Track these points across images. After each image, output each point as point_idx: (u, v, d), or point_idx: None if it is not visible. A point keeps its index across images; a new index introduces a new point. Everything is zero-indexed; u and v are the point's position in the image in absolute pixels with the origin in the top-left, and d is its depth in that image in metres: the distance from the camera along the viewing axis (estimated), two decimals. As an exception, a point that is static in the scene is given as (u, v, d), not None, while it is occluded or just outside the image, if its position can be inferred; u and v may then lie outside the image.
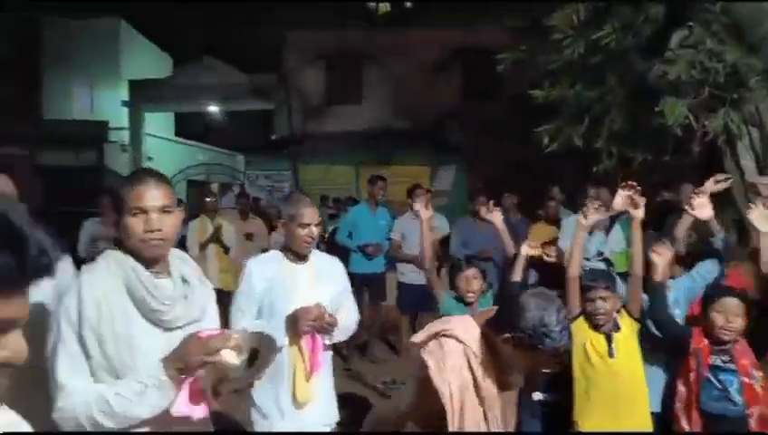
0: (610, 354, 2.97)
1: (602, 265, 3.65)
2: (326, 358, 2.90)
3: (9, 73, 14.96)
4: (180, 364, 1.70)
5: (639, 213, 3.21)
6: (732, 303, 2.89)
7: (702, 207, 3.26)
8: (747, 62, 4.77)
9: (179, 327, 1.84)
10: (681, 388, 3.00)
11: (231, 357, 1.72)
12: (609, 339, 3.00)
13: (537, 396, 3.21)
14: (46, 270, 0.85)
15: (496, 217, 3.94)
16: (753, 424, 2.85)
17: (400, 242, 6.34)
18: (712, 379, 2.89)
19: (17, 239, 0.81)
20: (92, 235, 6.17)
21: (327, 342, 2.79)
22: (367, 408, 5.26)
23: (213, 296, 2.07)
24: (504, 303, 2.15)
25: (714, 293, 3.01)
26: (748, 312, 2.91)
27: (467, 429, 1.90)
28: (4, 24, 14.63)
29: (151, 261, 1.84)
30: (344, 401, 5.02)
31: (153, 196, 1.80)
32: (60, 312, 1.75)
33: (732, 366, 2.88)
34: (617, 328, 3.04)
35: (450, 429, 1.89)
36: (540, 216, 6.31)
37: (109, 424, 1.64)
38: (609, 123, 5.82)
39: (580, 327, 3.03)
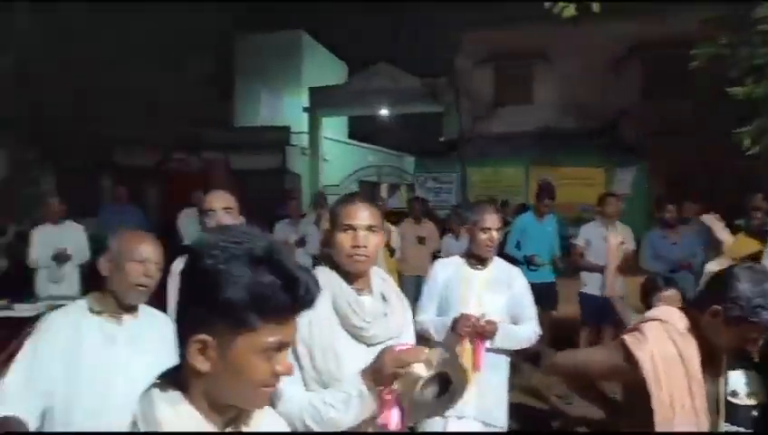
0: None
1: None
2: (497, 361, 2.94)
3: (211, 87, 16.75)
4: (376, 376, 1.78)
5: None
6: None
7: None
8: None
9: (380, 343, 1.93)
10: None
11: (421, 370, 1.77)
12: None
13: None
14: (310, 304, 1.04)
15: (715, 223, 3.64)
16: None
17: (583, 249, 6.04)
18: None
19: (291, 280, 1.00)
20: (285, 238, 6.63)
21: (488, 345, 2.83)
22: (539, 421, 5.16)
23: (410, 314, 2.17)
24: (711, 279, 2.04)
25: None
26: None
27: (675, 398, 1.86)
28: (208, 42, 16.39)
29: (355, 277, 1.98)
30: (516, 411, 4.96)
31: (362, 215, 1.94)
32: None
33: None
34: None
35: (654, 397, 1.86)
36: (739, 226, 5.70)
37: (318, 429, 1.79)
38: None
39: None
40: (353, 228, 1.94)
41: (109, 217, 7.42)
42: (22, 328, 5.22)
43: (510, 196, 11.82)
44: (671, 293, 3.09)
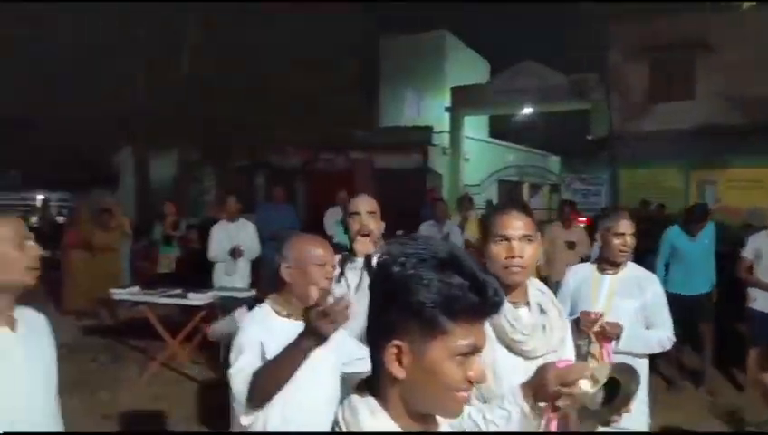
0: None
1: None
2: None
3: (357, 89, 17.33)
4: (537, 393, 1.72)
5: None
6: None
7: None
8: None
9: (540, 356, 1.87)
10: None
11: (586, 386, 1.70)
12: None
13: None
14: (498, 306, 1.05)
15: None
16: None
17: (751, 262, 5.48)
18: None
19: (479, 282, 1.02)
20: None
21: (612, 346, 2.79)
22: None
23: (569, 326, 2.07)
24: None
25: None
26: None
27: None
28: (354, 45, 16.96)
29: (510, 288, 1.91)
30: None
31: (516, 225, 1.88)
32: None
33: None
34: None
35: None
36: None
37: None
38: None
39: None
40: (508, 239, 1.88)
41: (266, 216, 7.89)
42: (195, 314, 5.78)
43: (667, 199, 10.99)
44: None
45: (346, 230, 2.78)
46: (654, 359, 3.94)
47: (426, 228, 6.92)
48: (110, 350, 6.63)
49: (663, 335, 2.93)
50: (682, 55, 13.53)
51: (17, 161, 18.98)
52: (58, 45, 13.52)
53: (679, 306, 4.61)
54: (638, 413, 2.84)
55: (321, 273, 2.05)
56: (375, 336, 1.06)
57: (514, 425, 1.74)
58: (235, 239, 6.33)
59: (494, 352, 1.86)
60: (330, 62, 15.69)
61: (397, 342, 1.01)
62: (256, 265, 6.95)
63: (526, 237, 1.89)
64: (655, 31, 13.43)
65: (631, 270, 3.00)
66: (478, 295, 1.00)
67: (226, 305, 5.96)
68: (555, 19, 18.15)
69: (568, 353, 1.98)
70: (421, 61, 18.16)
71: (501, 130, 20.41)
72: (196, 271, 6.87)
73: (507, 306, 1.86)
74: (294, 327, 1.97)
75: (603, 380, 1.77)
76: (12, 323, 1.78)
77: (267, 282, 2.19)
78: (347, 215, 2.75)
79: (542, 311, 1.95)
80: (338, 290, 2.64)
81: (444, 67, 18.36)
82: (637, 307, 2.89)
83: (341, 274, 2.67)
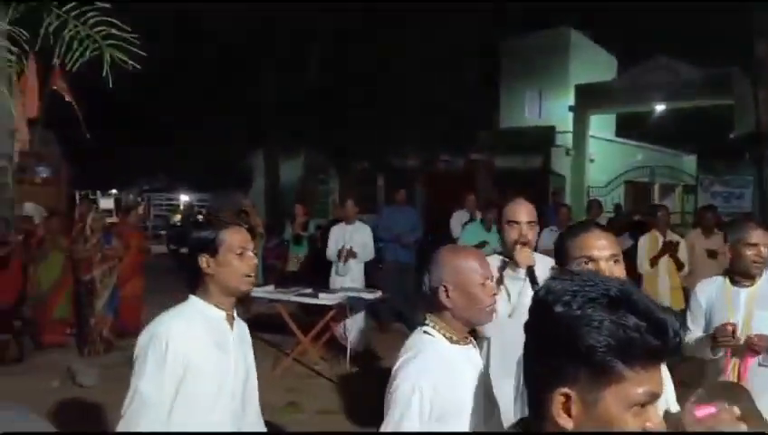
0: None
1: None
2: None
3: (478, 89, 17.24)
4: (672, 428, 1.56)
5: None
6: None
7: None
8: None
9: None
10: None
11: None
12: None
13: None
14: (678, 347, 0.93)
15: None
16: None
17: None
18: None
19: (657, 322, 0.90)
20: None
21: (758, 359, 2.68)
22: None
23: None
24: None
25: None
26: None
27: None
28: (475, 45, 16.87)
29: None
30: None
31: (602, 244, 1.76)
32: None
33: None
34: None
35: None
36: None
37: None
38: None
39: None
40: (594, 260, 1.75)
41: (388, 218, 8.07)
42: (325, 313, 6.06)
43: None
44: None
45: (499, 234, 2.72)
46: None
47: (548, 235, 6.71)
48: (246, 343, 7.08)
49: None
50: None
51: (165, 165, 20.74)
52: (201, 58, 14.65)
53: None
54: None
55: (486, 292, 1.82)
56: (537, 381, 0.98)
57: None
58: (349, 241, 6.59)
59: None
60: (450, 64, 15.73)
61: (564, 390, 0.92)
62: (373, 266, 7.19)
63: (613, 257, 1.77)
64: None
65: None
66: (657, 337, 0.89)
67: (354, 305, 6.20)
68: (690, 9, 16.87)
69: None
70: (543, 59, 17.67)
71: (629, 128, 19.37)
72: (321, 270, 7.21)
73: None
74: (463, 353, 1.82)
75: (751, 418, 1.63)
76: (231, 323, 2.04)
77: (427, 302, 1.97)
78: (503, 222, 2.63)
79: None
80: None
81: (567, 65, 17.74)
82: None
83: (500, 281, 2.48)
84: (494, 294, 1.87)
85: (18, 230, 7.35)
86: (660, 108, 16.25)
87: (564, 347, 0.91)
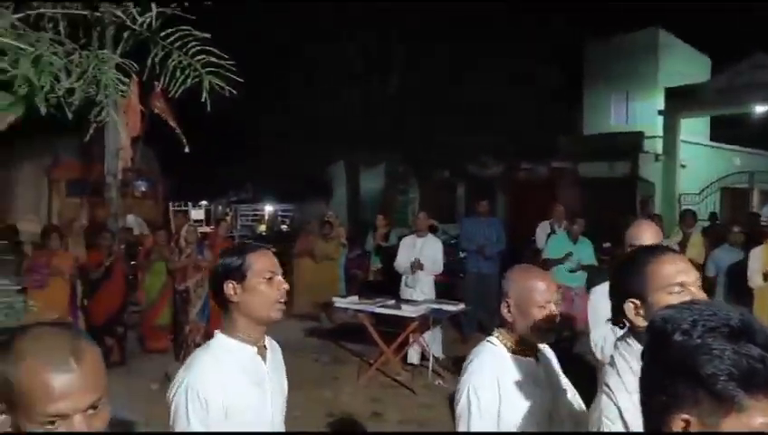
0: None
1: None
2: None
3: (560, 94, 16.84)
4: None
5: None
6: None
7: None
8: None
9: None
10: None
11: None
12: None
13: None
14: None
15: None
16: None
17: None
18: None
19: None
20: None
21: None
22: None
23: None
24: None
25: None
26: None
27: None
28: (558, 49, 16.51)
29: None
30: None
31: (688, 268, 1.60)
32: None
33: None
34: None
35: None
36: None
37: None
38: None
39: None
40: (685, 286, 1.56)
41: (470, 229, 7.96)
42: (407, 325, 6.11)
43: None
44: None
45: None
46: None
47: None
48: (330, 351, 7.25)
49: None
50: None
51: (251, 177, 21.61)
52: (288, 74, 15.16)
53: None
54: None
55: (543, 314, 1.90)
56: (655, 407, 0.99)
57: None
58: (418, 254, 6.61)
59: None
60: (532, 69, 15.48)
61: (685, 416, 0.94)
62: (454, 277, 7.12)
63: (698, 281, 1.60)
64: None
65: None
66: None
67: (436, 317, 6.22)
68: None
69: None
70: (630, 62, 17.06)
71: (725, 132, 18.31)
72: (393, 281, 7.28)
73: None
74: (521, 363, 1.92)
75: None
76: (264, 354, 1.89)
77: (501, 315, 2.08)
78: (625, 245, 2.51)
79: None
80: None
81: (656, 66, 17.04)
82: None
83: None
84: (554, 317, 1.91)
85: (121, 241, 7.89)
86: (760, 109, 15.28)
87: (684, 375, 0.93)
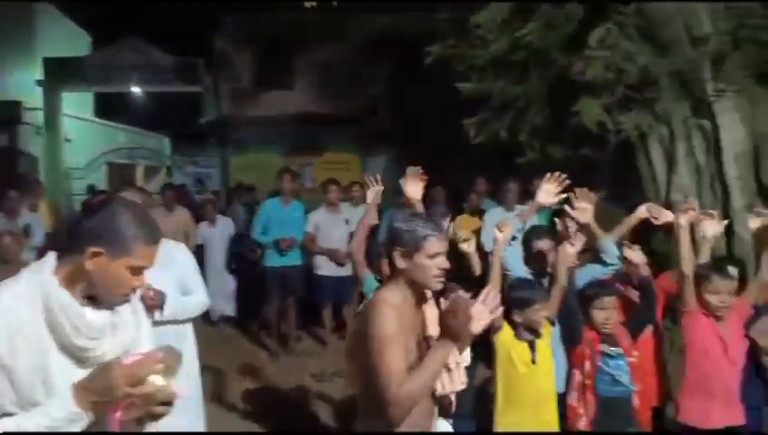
0: (533, 361, 3.06)
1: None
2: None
3: None
4: (102, 396, 1.50)
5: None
6: (609, 300, 3.16)
7: (583, 212, 3.22)
8: (658, 63, 5.01)
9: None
10: (578, 376, 3.16)
11: (159, 381, 1.59)
12: (532, 346, 3.08)
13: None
14: None
15: None
16: (636, 400, 3.16)
17: (315, 235, 6.36)
18: (603, 366, 3.11)
19: None
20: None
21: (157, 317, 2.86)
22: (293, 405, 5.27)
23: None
24: None
25: (592, 292, 3.20)
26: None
27: None
28: None
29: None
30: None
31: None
32: None
33: (619, 351, 3.14)
34: (538, 335, 3.10)
35: None
36: (464, 208, 6.44)
37: None
38: (531, 118, 5.99)
39: (506, 336, 3.10)
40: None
41: None
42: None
43: (271, 181, 11.75)
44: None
45: None
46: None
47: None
48: None
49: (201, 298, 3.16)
50: (283, 47, 14.55)
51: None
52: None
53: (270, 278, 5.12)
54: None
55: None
56: None
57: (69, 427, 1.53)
58: None
59: (46, 358, 1.55)
60: None
61: None
62: None
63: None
64: (258, 22, 14.17)
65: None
66: None
67: None
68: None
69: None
70: (4, 27, 15.45)
71: (109, 109, 18.89)
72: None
73: (71, 303, 1.57)
74: None
75: (177, 368, 1.67)
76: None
77: None
78: None
79: (114, 310, 1.69)
80: None
81: (32, 36, 15.97)
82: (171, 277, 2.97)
83: None
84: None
85: None
86: (136, 90, 16.34)
87: None
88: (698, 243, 3.32)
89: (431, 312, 2.21)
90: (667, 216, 3.49)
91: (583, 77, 5.05)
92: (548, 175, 3.31)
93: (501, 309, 2.05)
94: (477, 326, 1.93)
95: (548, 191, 3.28)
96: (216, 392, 5.10)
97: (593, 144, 5.69)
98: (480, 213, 5.89)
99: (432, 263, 2.06)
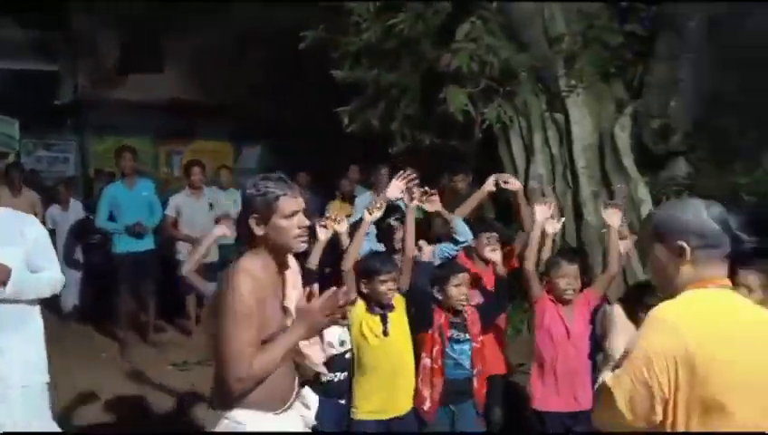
0: (385, 333, 3.12)
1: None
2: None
3: None
4: None
5: (413, 204, 3.41)
6: (465, 276, 3.32)
7: (432, 203, 3.52)
8: (518, 58, 5.33)
9: None
10: (426, 360, 3.25)
11: None
12: (384, 319, 3.14)
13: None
14: None
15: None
16: (476, 381, 3.33)
17: (175, 219, 6.09)
18: (449, 351, 3.26)
19: None
20: None
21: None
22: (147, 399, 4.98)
23: None
24: None
25: (448, 269, 3.37)
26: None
27: None
28: None
29: None
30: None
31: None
32: None
33: (466, 336, 3.30)
34: (391, 308, 3.16)
35: None
36: (336, 194, 6.47)
37: None
38: (403, 107, 6.13)
39: (359, 309, 3.14)
40: None
41: None
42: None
43: (139, 167, 11.07)
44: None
45: None
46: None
47: None
48: None
49: (52, 275, 2.87)
50: (151, 30, 13.73)
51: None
52: None
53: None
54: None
55: None
56: None
57: None
58: None
59: None
60: None
61: None
62: None
63: None
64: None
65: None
66: None
67: None
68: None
69: None
70: None
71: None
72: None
73: None
74: None
75: None
76: None
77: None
78: None
79: None
80: None
81: None
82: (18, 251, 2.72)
83: None
84: None
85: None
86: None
87: None
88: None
89: (292, 275, 2.18)
90: (514, 183, 3.84)
91: (450, 68, 5.26)
92: (400, 172, 3.50)
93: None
94: (327, 322, 2.00)
95: (396, 187, 3.46)
96: (70, 384, 4.69)
97: (460, 135, 5.94)
98: (352, 199, 5.93)
99: (289, 223, 1.98)
